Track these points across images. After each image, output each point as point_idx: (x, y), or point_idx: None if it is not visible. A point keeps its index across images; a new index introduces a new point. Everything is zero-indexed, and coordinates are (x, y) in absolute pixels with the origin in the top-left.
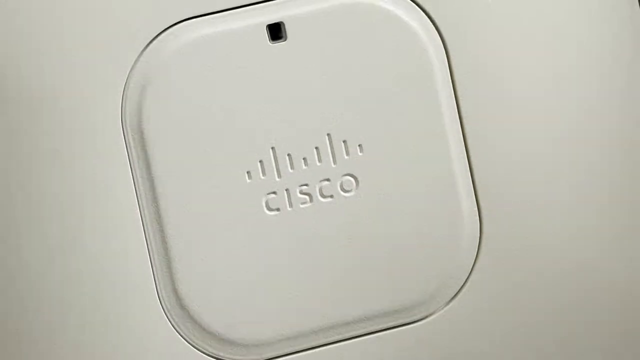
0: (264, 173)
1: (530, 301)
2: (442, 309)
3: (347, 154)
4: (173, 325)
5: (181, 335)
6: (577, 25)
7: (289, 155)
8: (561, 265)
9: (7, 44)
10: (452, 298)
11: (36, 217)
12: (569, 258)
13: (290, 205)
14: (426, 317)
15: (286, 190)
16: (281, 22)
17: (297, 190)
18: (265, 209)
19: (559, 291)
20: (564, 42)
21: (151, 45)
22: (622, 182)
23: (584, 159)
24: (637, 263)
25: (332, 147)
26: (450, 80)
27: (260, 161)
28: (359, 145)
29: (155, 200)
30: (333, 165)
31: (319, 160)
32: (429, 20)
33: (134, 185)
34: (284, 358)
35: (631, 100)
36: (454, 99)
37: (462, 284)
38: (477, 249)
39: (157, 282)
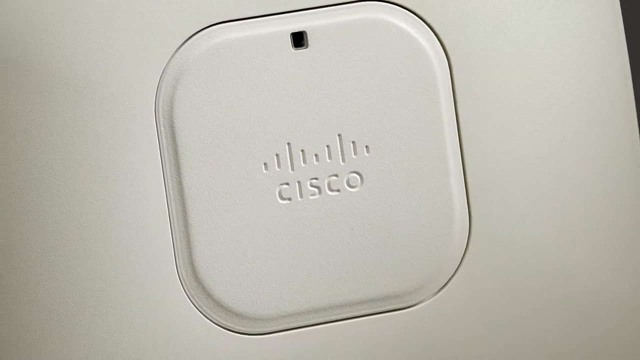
0: (279, 165)
1: (513, 296)
2: (431, 298)
3: (355, 153)
4: (188, 296)
5: (194, 305)
6: (569, 49)
7: (302, 151)
8: (543, 265)
9: (56, 36)
10: (440, 289)
11: (73, 188)
12: (550, 258)
13: (301, 196)
14: (415, 304)
15: (298, 182)
16: (304, 31)
17: (308, 183)
18: (278, 197)
19: (540, 289)
20: (556, 63)
21: (186, 43)
22: (603, 192)
23: (569, 170)
24: (613, 266)
25: (341, 147)
26: (452, 92)
27: (277, 155)
28: (366, 147)
29: (180, 183)
30: (341, 163)
31: (329, 158)
32: (435, 38)
33: (162, 168)
34: (283, 333)
35: (612, 118)
36: (454, 109)
37: (450, 276)
38: (465, 246)
39: (176, 256)
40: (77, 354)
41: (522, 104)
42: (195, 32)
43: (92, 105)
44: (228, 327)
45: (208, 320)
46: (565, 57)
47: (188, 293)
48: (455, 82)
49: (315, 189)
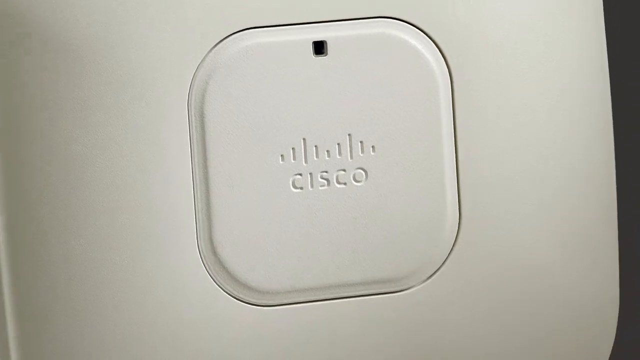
0: (294, 158)
1: (495, 287)
2: (421, 284)
3: (362, 152)
4: (206, 269)
5: (212, 277)
6: (559, 68)
7: (315, 146)
8: (522, 261)
9: (103, 31)
10: (430, 276)
11: (110, 165)
12: (530, 255)
13: (312, 186)
14: (407, 289)
15: (310, 174)
16: (325, 40)
17: (319, 175)
18: (291, 186)
19: (519, 283)
20: (548, 80)
21: (219, 45)
22: (579, 201)
23: (551, 179)
24: (585, 266)
25: (350, 145)
26: (451, 102)
27: (293, 148)
28: (372, 146)
29: (205, 167)
30: (349, 160)
31: (339, 154)
32: (439, 53)
33: (190, 153)
34: (289, 306)
35: (591, 134)
36: (452, 117)
37: (439, 266)
38: (454, 239)
39: (198, 232)
40: (107, 315)
41: (514, 115)
42: (228, 35)
43: (133, 93)
44: (240, 298)
45: (223, 292)
46: (556, 77)
47: (207, 266)
48: (455, 93)
49: (325, 181)
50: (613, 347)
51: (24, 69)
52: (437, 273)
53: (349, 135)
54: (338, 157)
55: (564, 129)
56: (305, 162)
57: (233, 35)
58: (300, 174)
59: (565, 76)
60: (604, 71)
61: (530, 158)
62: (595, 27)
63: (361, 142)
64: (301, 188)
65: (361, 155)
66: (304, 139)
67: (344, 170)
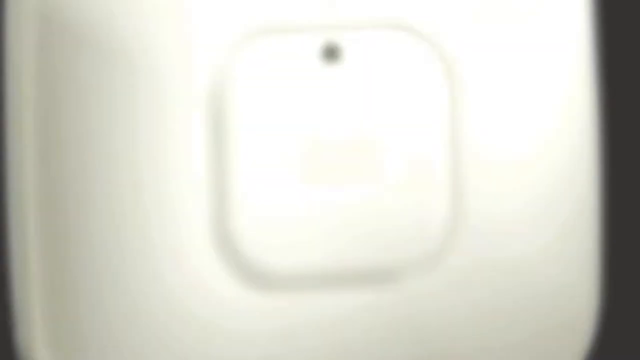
0: (302, 153)
1: (484, 284)
2: (415, 277)
3: (368, 150)
4: (217, 255)
5: (221, 263)
6: (560, 70)
7: (324, 144)
8: (511, 261)
9: (129, 31)
10: (424, 270)
11: (132, 148)
12: (518, 253)
13: (320, 181)
14: (402, 281)
15: (318, 169)
16: (336, 45)
17: (326, 171)
18: (299, 180)
19: (507, 281)
20: (542, 93)
21: (236, 45)
22: (565, 205)
23: (538, 184)
24: (568, 263)
25: (358, 145)
26: (453, 108)
27: (303, 145)
28: (378, 146)
29: (220, 162)
30: (355, 157)
31: (347, 152)
32: (444, 63)
33: (208, 144)
34: (292, 292)
35: (577, 144)
36: (453, 121)
37: (433, 261)
38: (449, 236)
39: (211, 220)
40: (122, 301)
41: (508, 122)
42: (244, 36)
43: (157, 86)
44: (247, 283)
45: (232, 276)
46: (554, 79)
47: (217, 252)
48: (456, 97)
49: (332, 177)
50: (593, 345)
51: (58, 64)
52: (432, 267)
53: (357, 135)
54: (345, 154)
55: (561, 130)
56: (313, 158)
57: (248, 38)
58: (309, 170)
59: (563, 78)
60: (593, 73)
61: (527, 158)
62: (590, 28)
63: (367, 142)
64: (310, 183)
65: (367, 153)
66: (314, 137)
67: (350, 167)
